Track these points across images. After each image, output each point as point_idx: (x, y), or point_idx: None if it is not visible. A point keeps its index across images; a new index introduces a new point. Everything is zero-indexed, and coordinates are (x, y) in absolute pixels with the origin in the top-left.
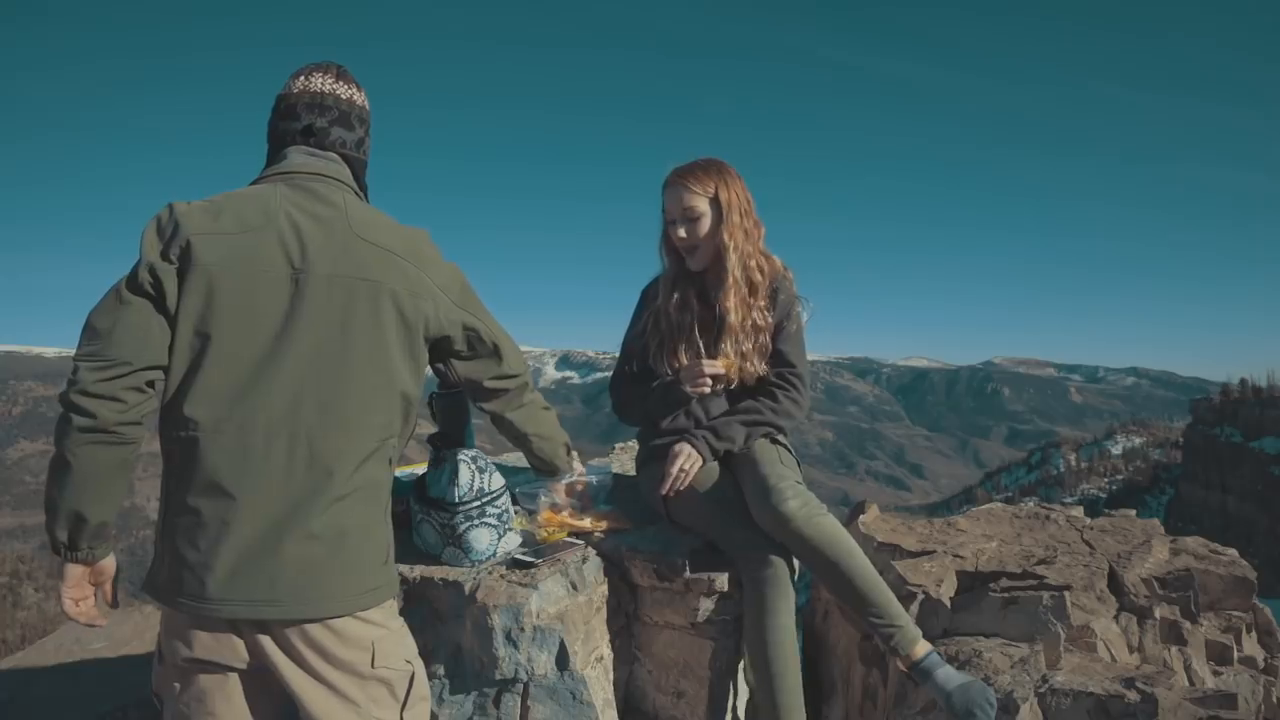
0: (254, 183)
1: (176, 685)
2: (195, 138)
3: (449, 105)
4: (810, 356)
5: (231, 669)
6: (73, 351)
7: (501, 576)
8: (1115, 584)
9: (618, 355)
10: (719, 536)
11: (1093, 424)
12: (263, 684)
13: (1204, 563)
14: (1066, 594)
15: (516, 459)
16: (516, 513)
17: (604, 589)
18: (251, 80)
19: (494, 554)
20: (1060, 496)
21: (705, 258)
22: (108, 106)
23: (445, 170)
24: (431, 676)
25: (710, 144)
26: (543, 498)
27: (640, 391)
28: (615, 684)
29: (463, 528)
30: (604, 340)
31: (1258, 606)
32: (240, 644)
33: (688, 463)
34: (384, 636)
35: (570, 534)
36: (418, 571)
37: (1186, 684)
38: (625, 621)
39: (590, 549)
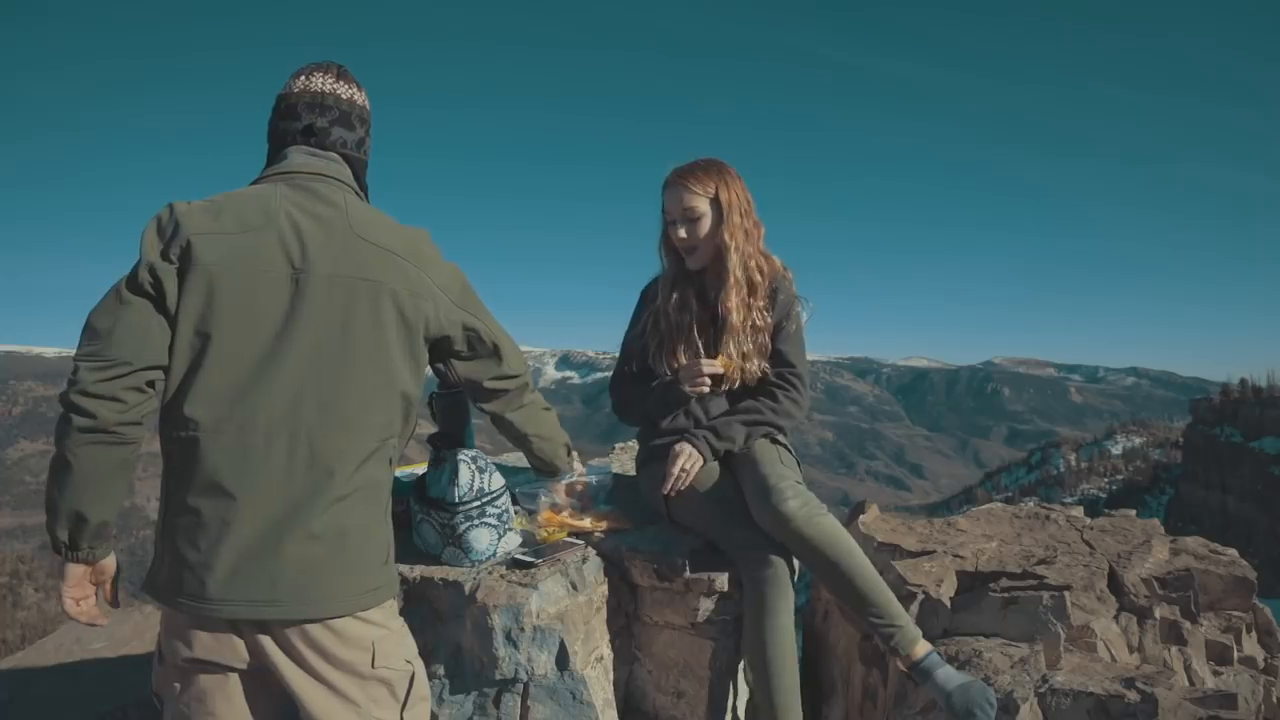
0: (254, 182)
1: (177, 685)
2: (195, 138)
3: (449, 105)
4: (810, 356)
5: (232, 669)
6: (73, 351)
7: (501, 576)
8: (1115, 584)
9: (617, 355)
10: (719, 536)
11: (1093, 424)
12: (263, 684)
13: (1204, 563)
14: (1066, 594)
15: (516, 459)
16: (516, 513)
17: (604, 589)
18: (251, 80)
19: (494, 554)
20: (1060, 496)
21: (705, 258)
22: (108, 106)
23: (445, 170)
24: (431, 676)
25: (710, 144)
26: (543, 498)
27: (640, 391)
28: (615, 684)
29: (463, 528)
30: (604, 340)
31: (1258, 606)
32: (240, 644)
33: (688, 462)
34: (384, 636)
35: (570, 534)
36: (418, 571)
37: (1186, 684)
38: (625, 621)
39: (590, 549)
